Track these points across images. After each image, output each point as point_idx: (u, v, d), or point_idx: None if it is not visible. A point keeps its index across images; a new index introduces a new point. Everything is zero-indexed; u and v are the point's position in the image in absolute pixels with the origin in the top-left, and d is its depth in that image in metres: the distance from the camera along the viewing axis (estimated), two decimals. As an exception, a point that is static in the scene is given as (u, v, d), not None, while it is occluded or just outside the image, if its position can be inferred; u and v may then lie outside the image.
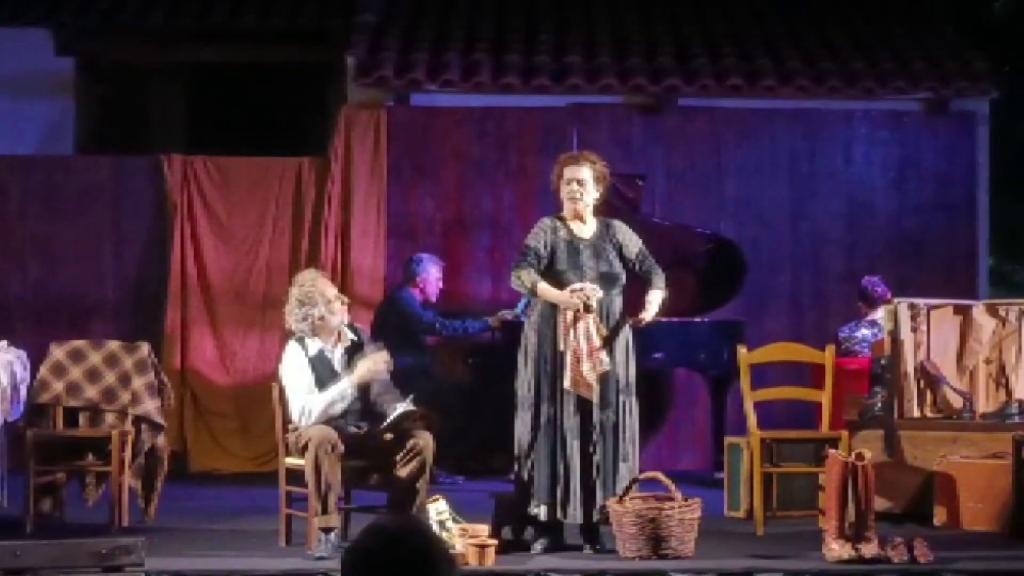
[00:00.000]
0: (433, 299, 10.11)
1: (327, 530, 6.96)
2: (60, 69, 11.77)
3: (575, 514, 7.15)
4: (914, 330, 8.55)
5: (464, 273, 10.93)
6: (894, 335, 8.52)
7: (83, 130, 11.96)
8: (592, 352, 7.10)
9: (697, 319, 10.02)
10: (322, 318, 7.22)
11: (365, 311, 10.34)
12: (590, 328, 7.12)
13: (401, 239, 10.95)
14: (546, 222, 7.39)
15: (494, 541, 6.90)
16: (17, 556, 5.56)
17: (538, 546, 7.18)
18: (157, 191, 11.01)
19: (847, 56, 11.45)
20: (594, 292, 7.16)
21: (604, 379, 7.18)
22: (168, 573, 6.54)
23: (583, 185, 7.31)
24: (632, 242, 7.44)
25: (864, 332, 9.75)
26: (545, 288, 7.22)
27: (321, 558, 6.87)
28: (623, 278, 7.37)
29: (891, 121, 11.27)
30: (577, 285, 7.18)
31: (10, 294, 10.88)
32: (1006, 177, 12.84)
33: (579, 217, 7.36)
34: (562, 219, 7.39)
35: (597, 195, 7.39)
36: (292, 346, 7.30)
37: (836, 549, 6.90)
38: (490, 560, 6.79)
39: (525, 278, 7.23)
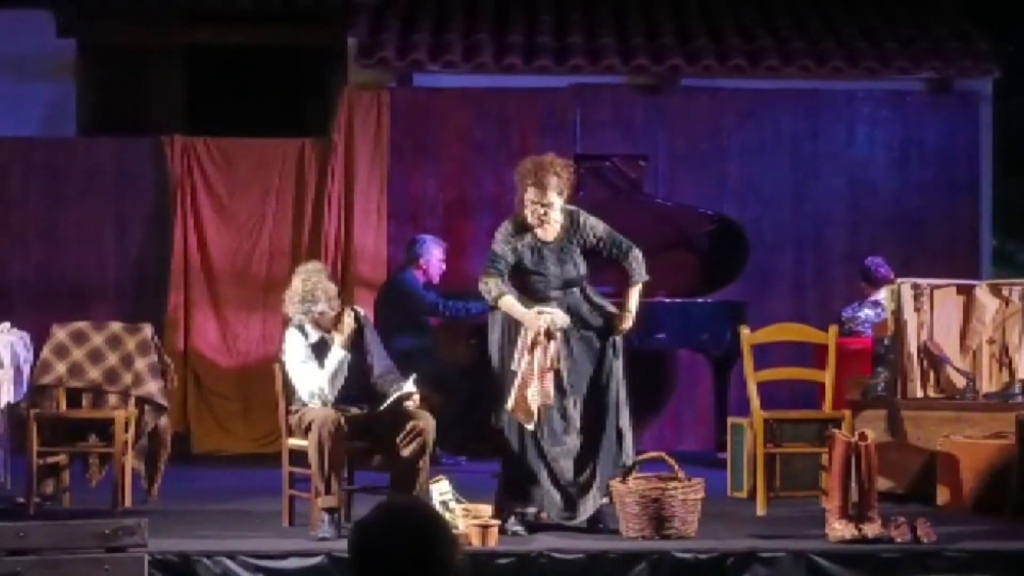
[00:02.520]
0: (435, 280, 10.10)
1: (330, 510, 6.96)
2: (61, 51, 11.75)
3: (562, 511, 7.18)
4: (917, 310, 8.54)
5: (466, 254, 10.91)
6: (897, 315, 8.51)
7: (84, 112, 11.94)
8: (542, 379, 7.00)
9: (700, 300, 10.01)
10: (322, 314, 7.22)
11: (367, 292, 10.35)
12: (548, 354, 7.01)
13: (403, 220, 10.94)
14: (509, 228, 7.23)
15: (497, 521, 6.90)
16: (20, 537, 5.57)
17: (513, 521, 7.16)
18: (158, 173, 11.00)
19: (849, 36, 11.43)
20: (562, 320, 7.08)
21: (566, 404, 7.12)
22: (171, 554, 6.54)
23: (549, 206, 7.17)
24: (595, 233, 7.27)
25: (867, 312, 9.74)
26: (510, 303, 7.10)
27: (324, 538, 6.87)
28: (585, 278, 7.28)
29: (893, 101, 11.25)
30: (547, 310, 7.08)
31: (12, 276, 10.88)
32: (1009, 157, 12.83)
33: (544, 229, 7.24)
34: (526, 224, 7.23)
35: (564, 199, 7.24)
36: (292, 333, 7.30)
37: (839, 529, 6.91)
38: (493, 540, 6.80)
39: (492, 287, 7.12)
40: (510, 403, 7.03)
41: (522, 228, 7.23)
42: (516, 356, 7.05)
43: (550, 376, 7.03)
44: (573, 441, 7.14)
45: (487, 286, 7.14)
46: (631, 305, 7.28)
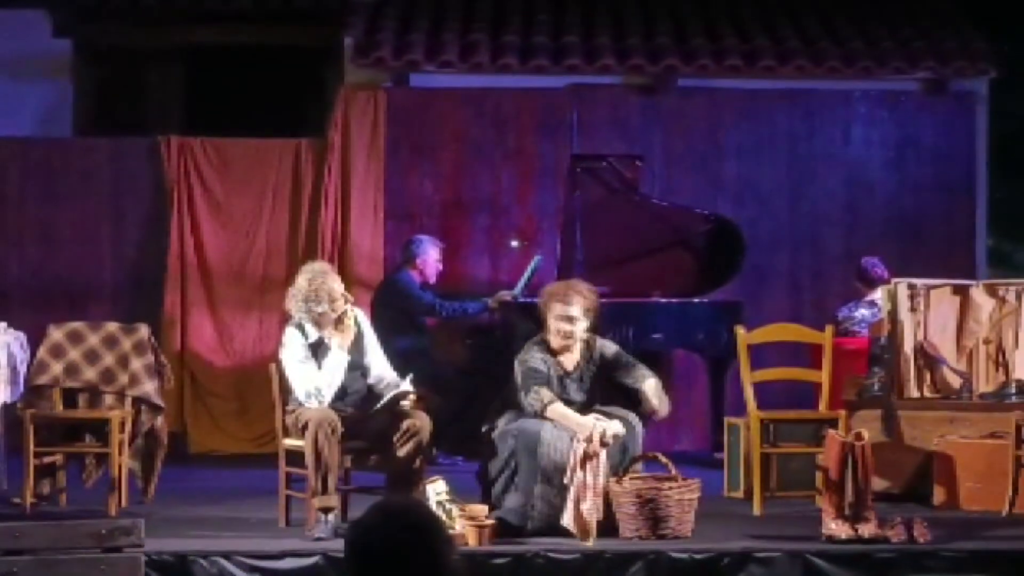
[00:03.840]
0: (432, 280, 10.10)
1: (326, 511, 6.96)
2: (57, 51, 11.74)
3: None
4: (913, 310, 8.55)
5: (463, 254, 10.92)
6: (893, 315, 8.52)
7: (81, 112, 11.94)
8: (597, 494, 6.91)
9: (696, 300, 10.01)
10: (323, 314, 7.21)
11: (364, 293, 10.33)
12: (600, 467, 6.92)
13: (399, 220, 10.94)
14: (537, 354, 7.23)
15: (492, 522, 6.90)
16: (17, 537, 5.57)
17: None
18: (155, 173, 11.00)
19: (846, 36, 11.44)
20: (618, 429, 7.01)
21: None
22: (167, 554, 6.54)
23: (574, 322, 7.22)
24: (608, 352, 7.34)
25: (863, 312, 9.75)
26: (562, 410, 7.03)
27: (320, 539, 6.87)
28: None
29: (890, 101, 11.26)
30: (603, 419, 7.03)
31: (9, 276, 10.88)
32: (1005, 157, 12.83)
33: (567, 348, 7.30)
34: (549, 348, 7.28)
35: (588, 324, 7.28)
36: (291, 332, 7.28)
37: (835, 529, 6.91)
38: (488, 540, 6.79)
39: (544, 394, 7.06)
40: (566, 519, 6.89)
41: (547, 353, 7.25)
42: (568, 469, 6.94)
43: (602, 488, 6.94)
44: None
45: (538, 394, 7.07)
46: (651, 389, 7.23)
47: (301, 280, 7.26)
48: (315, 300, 7.17)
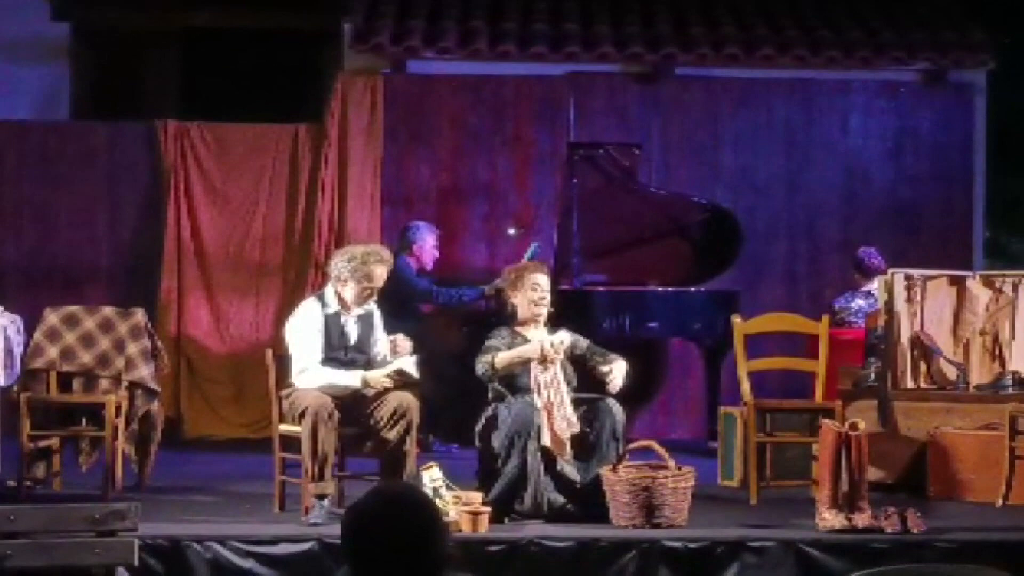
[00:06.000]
0: (428, 267, 10.10)
1: (321, 496, 6.96)
2: (56, 34, 11.73)
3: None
4: (909, 301, 8.55)
5: (459, 241, 10.92)
6: (889, 306, 8.52)
7: (78, 95, 11.93)
8: (563, 407, 7.03)
9: (692, 289, 10.02)
10: (368, 286, 7.23)
11: (360, 278, 10.33)
12: (559, 383, 7.07)
13: (396, 206, 10.94)
14: (503, 331, 7.40)
15: (487, 508, 6.90)
16: (11, 520, 5.56)
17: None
18: (152, 157, 10.99)
19: (845, 26, 11.43)
20: (562, 336, 7.19)
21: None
22: (162, 538, 6.55)
23: (547, 290, 7.40)
24: (581, 343, 7.44)
25: (859, 303, 9.75)
26: (507, 355, 7.21)
27: (315, 524, 6.88)
28: (573, 381, 7.36)
29: (888, 91, 11.26)
30: (547, 337, 7.20)
31: (5, 259, 10.87)
32: (1003, 148, 12.83)
33: (535, 324, 7.41)
34: (514, 331, 7.41)
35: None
36: (310, 303, 7.31)
37: (829, 519, 6.92)
38: (483, 527, 6.80)
39: (486, 356, 7.23)
40: (545, 439, 7.03)
41: (512, 332, 7.40)
42: (534, 396, 7.08)
43: (568, 402, 7.06)
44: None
45: (482, 363, 7.22)
46: (618, 369, 7.31)
47: (360, 248, 7.36)
48: (376, 260, 7.22)
